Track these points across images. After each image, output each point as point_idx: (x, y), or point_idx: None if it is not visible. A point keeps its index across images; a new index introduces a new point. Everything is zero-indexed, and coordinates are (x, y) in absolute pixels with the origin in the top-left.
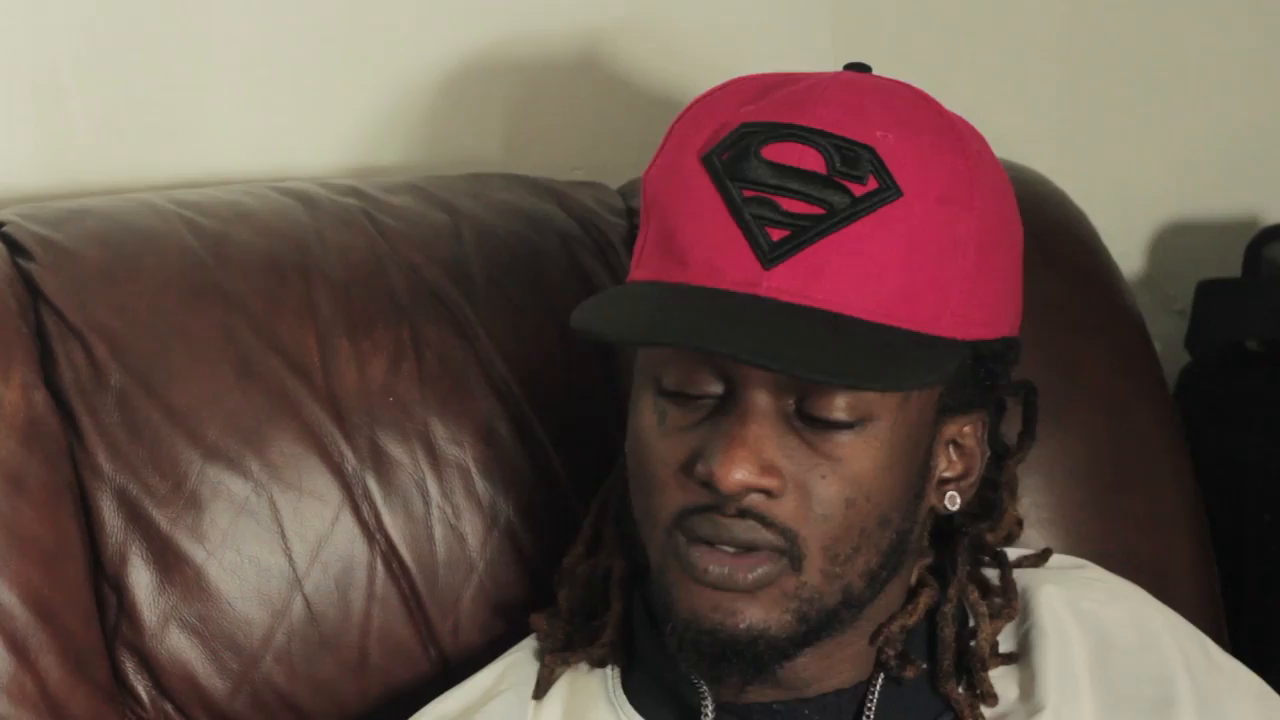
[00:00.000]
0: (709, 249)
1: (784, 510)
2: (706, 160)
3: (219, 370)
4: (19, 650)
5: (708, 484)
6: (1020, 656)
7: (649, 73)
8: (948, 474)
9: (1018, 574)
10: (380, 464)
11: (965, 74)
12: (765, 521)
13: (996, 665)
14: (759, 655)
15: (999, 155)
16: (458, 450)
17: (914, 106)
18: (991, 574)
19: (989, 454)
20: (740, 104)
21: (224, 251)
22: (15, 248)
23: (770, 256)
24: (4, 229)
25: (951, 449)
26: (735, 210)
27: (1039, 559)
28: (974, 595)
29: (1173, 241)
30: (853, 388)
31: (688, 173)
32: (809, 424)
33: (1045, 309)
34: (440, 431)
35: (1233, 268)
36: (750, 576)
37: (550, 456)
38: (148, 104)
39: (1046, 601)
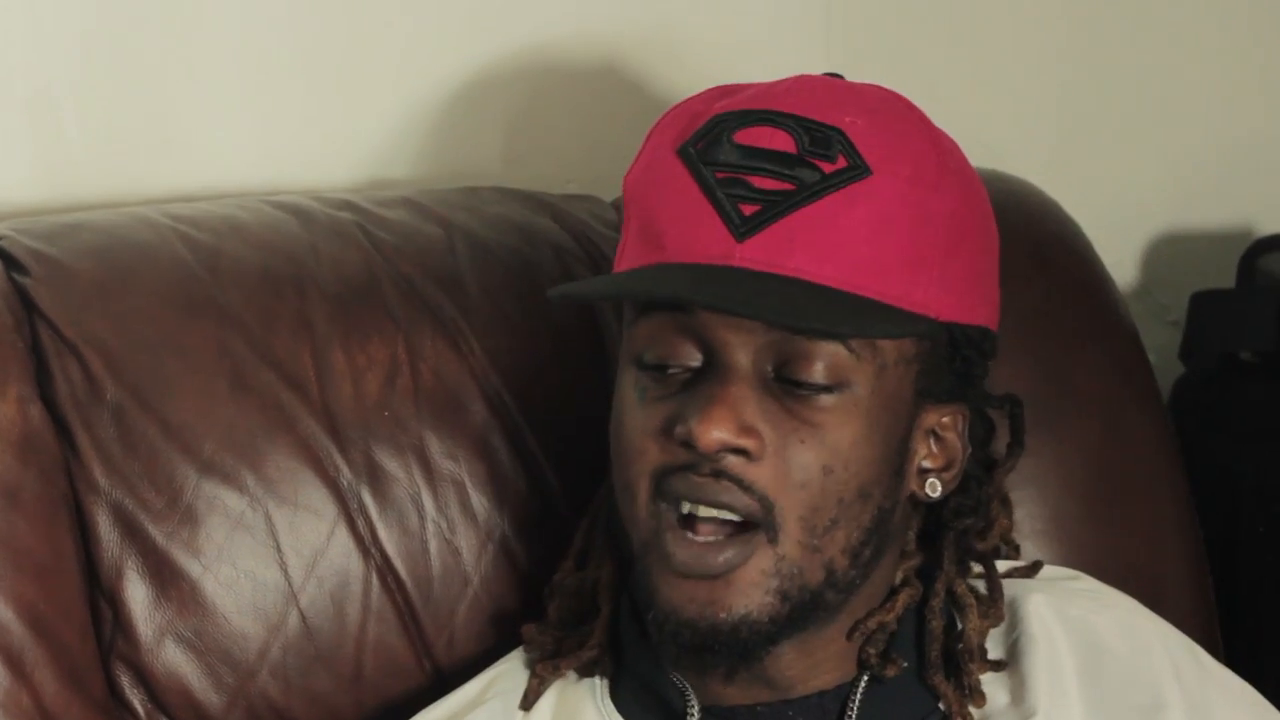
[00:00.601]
0: (684, 229)
1: (761, 475)
2: (681, 151)
3: (214, 384)
4: (15, 665)
5: (687, 443)
6: (1009, 663)
7: (643, 86)
8: (929, 464)
9: (1008, 584)
10: (375, 478)
11: (959, 86)
12: (742, 485)
13: (985, 670)
14: (743, 643)
15: (993, 167)
16: (452, 464)
17: (884, 100)
18: (979, 584)
19: (970, 450)
20: (713, 101)
21: (219, 266)
22: (10, 262)
23: (742, 230)
24: None
25: (932, 440)
26: (708, 190)
27: (1030, 570)
28: (961, 589)
29: (1166, 252)
30: (823, 335)
31: (664, 165)
32: (788, 389)
33: (1039, 319)
34: (435, 445)
35: (1227, 279)
36: (720, 559)
37: (544, 469)
38: (143, 118)
39: (1035, 609)
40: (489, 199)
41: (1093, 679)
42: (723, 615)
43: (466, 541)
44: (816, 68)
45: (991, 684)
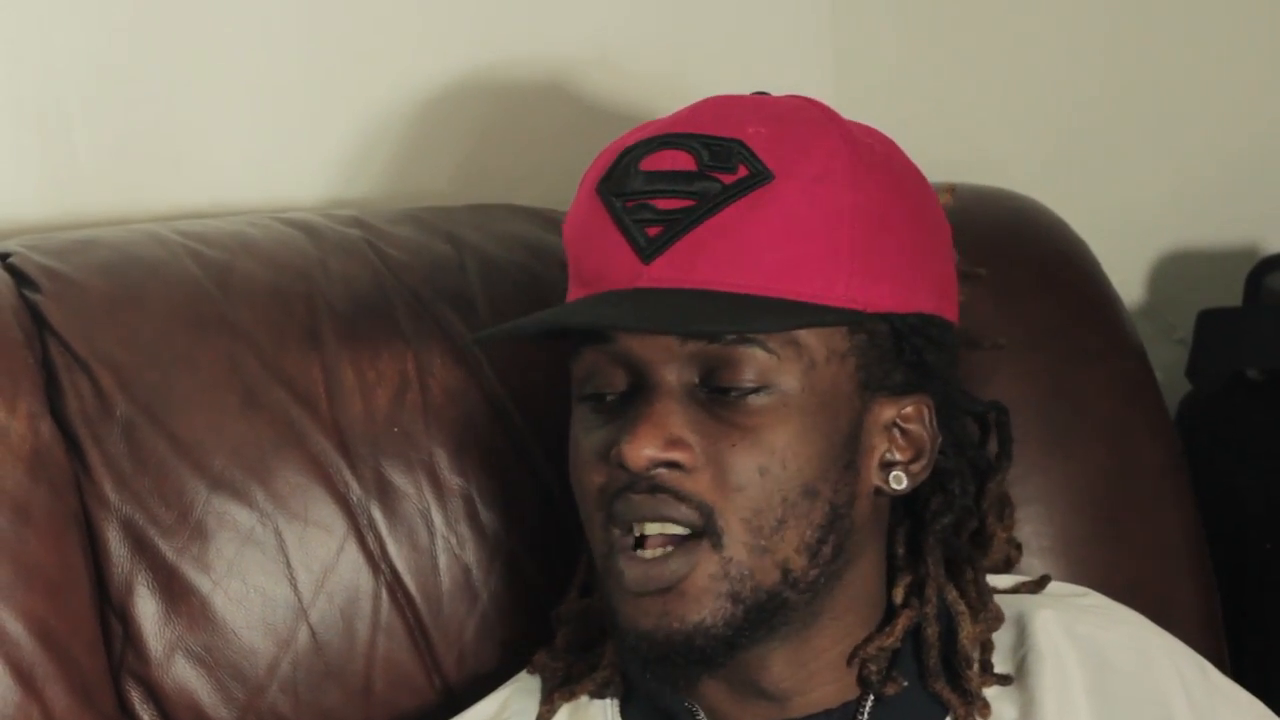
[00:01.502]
0: (598, 260)
1: (697, 484)
2: (598, 187)
3: (224, 400)
4: (25, 680)
5: (622, 465)
6: (1018, 680)
7: (599, 105)
8: (897, 457)
9: (1015, 599)
10: (385, 494)
11: (965, 104)
12: (679, 495)
13: (991, 684)
14: (700, 650)
15: (999, 184)
16: (462, 480)
17: (795, 108)
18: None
19: (940, 439)
20: (630, 138)
21: (229, 282)
22: (21, 278)
23: (648, 251)
24: (10, 260)
25: (896, 433)
26: (617, 219)
27: (1037, 585)
28: (953, 595)
29: (1173, 270)
30: (699, 336)
31: (586, 205)
32: (716, 397)
33: (1046, 337)
34: (444, 461)
35: (1233, 297)
36: (668, 571)
37: (553, 485)
38: (152, 135)
39: (1043, 626)
40: (497, 216)
41: (1102, 696)
42: (677, 625)
43: (476, 557)
44: (823, 84)
45: (999, 699)
